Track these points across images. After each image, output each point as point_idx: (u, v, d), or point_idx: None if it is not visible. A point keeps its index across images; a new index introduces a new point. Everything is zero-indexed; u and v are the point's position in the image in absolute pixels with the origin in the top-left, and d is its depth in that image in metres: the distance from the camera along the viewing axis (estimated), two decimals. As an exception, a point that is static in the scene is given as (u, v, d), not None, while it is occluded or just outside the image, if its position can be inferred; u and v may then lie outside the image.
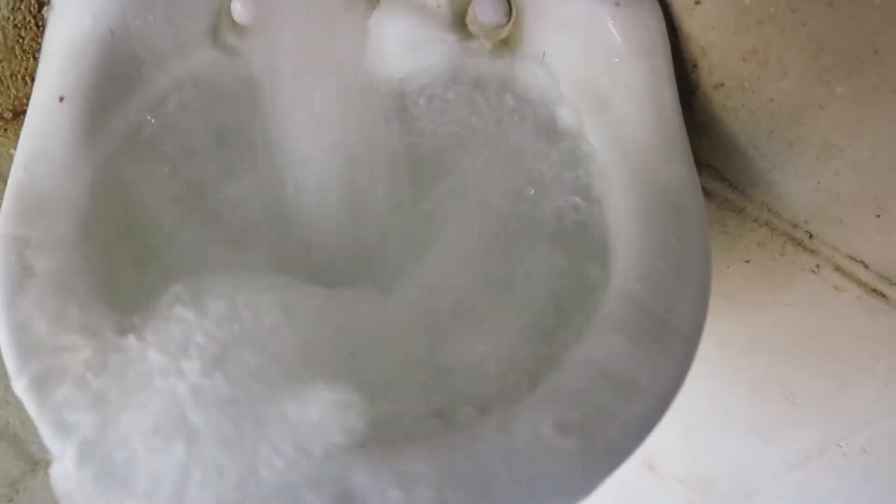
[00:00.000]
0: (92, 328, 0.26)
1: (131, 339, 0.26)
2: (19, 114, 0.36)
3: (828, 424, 0.44)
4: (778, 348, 0.43)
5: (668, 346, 0.27)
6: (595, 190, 0.34)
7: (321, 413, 0.24)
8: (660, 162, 0.32)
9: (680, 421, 0.53)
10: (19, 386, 0.24)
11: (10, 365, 0.25)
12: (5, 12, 0.32)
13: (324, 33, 0.36)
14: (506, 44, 0.37)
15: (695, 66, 0.35)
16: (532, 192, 0.36)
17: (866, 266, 0.36)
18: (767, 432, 0.48)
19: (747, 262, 0.40)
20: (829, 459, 0.46)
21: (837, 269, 0.37)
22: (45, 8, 0.33)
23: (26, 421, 0.49)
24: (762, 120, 0.34)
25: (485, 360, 0.29)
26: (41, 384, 0.25)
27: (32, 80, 0.34)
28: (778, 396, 0.45)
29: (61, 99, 0.31)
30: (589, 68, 0.35)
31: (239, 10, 0.35)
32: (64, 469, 0.22)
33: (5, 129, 0.36)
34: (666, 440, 0.54)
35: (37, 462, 0.53)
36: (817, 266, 0.37)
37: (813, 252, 0.37)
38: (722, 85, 0.34)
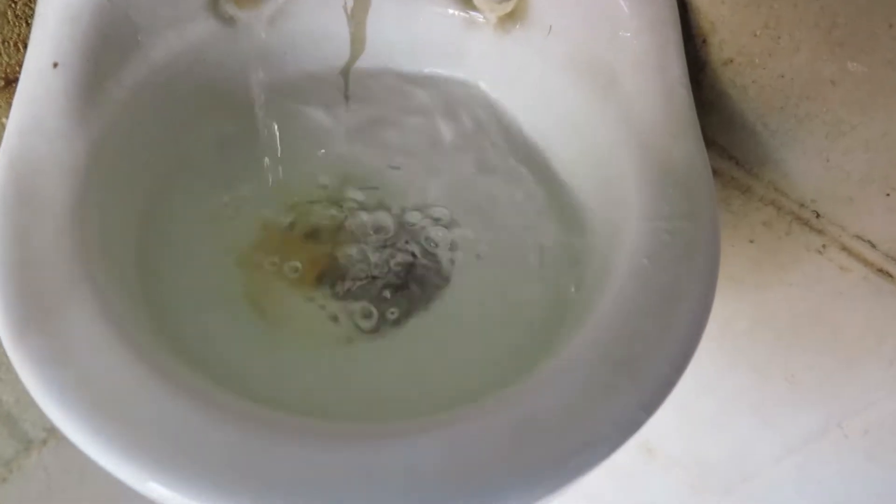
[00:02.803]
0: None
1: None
2: (12, 82, 0.35)
3: (829, 406, 0.44)
4: (781, 329, 0.43)
5: (676, 320, 0.27)
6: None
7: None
8: (669, 140, 0.31)
9: (679, 403, 0.52)
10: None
11: (6, 337, 0.24)
12: (-4, -24, 0.31)
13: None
14: (511, 17, 0.37)
15: (704, 41, 0.34)
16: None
17: (873, 246, 0.35)
18: (767, 414, 0.48)
19: (752, 241, 0.40)
20: (829, 441, 0.46)
21: (844, 248, 0.36)
22: (38, -28, 0.32)
23: (20, 399, 0.49)
24: (772, 97, 0.34)
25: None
26: (39, 359, 0.24)
27: (25, 47, 0.33)
28: (779, 378, 0.45)
29: (55, 65, 0.30)
30: (596, 43, 0.34)
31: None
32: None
33: (-3, 99, 0.36)
34: (665, 423, 0.54)
35: (31, 441, 0.53)
36: (823, 246, 0.37)
37: (819, 232, 0.37)
38: (731, 61, 0.34)
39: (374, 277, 0.36)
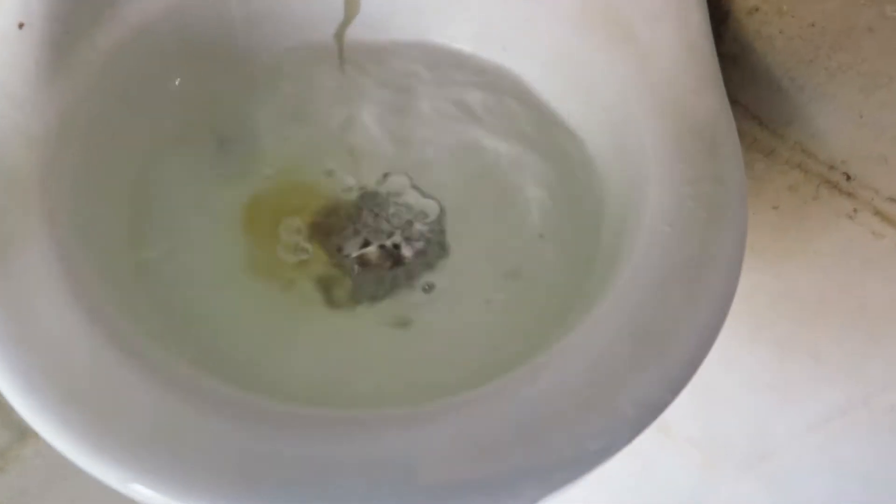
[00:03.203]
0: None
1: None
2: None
3: (854, 382, 0.42)
4: (805, 302, 0.40)
5: (700, 297, 0.25)
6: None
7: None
8: (690, 95, 0.29)
9: (695, 379, 0.50)
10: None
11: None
12: (-45, -70, 0.29)
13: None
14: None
15: (726, -11, 0.31)
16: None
17: (910, 209, 0.33)
18: (787, 391, 0.46)
19: (776, 208, 0.37)
20: (852, 419, 0.44)
21: (877, 213, 0.34)
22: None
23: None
24: (801, 48, 0.31)
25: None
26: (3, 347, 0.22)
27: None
28: (802, 353, 0.43)
29: (21, 25, 0.27)
30: (610, -8, 0.31)
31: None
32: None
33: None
34: (679, 399, 0.52)
35: (25, 430, 0.51)
36: (854, 210, 0.35)
37: (850, 195, 0.34)
38: (757, 10, 0.31)
39: (368, 249, 0.33)
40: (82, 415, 0.21)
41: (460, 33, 0.37)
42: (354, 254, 0.33)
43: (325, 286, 0.32)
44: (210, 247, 0.31)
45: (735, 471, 0.55)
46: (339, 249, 0.33)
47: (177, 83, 0.33)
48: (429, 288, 0.31)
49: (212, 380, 0.23)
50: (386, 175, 0.35)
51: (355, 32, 0.37)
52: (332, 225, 0.33)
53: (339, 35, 0.38)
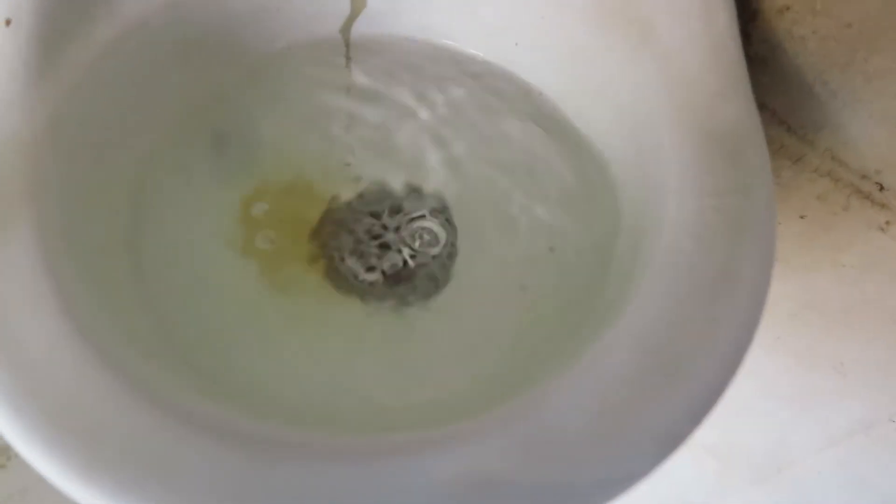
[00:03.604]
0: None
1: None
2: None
3: (879, 397, 0.40)
4: (830, 314, 0.38)
5: (725, 312, 0.23)
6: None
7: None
8: (716, 100, 0.27)
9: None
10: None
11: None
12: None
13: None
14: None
15: (755, -15, 0.29)
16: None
17: (948, 223, 0.31)
18: (809, 403, 0.44)
19: (803, 217, 0.35)
20: (877, 434, 0.42)
21: (913, 226, 0.32)
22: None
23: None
24: (835, 50, 0.29)
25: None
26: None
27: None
28: (825, 366, 0.41)
29: (8, 22, 0.26)
30: (629, -11, 0.30)
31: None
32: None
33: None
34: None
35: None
36: (887, 223, 0.33)
37: (883, 206, 0.32)
38: (788, 8, 0.29)
39: (373, 258, 0.32)
40: (67, 438, 0.20)
41: (470, 30, 0.35)
42: (361, 275, 0.31)
43: (325, 294, 0.30)
44: (209, 255, 0.30)
45: (750, 481, 0.54)
46: (343, 259, 0.32)
47: (173, 81, 0.32)
48: (432, 301, 0.30)
49: (210, 403, 0.22)
50: (389, 178, 0.33)
51: (361, 28, 0.36)
52: (332, 231, 0.32)
53: (346, 30, 0.36)
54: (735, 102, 0.27)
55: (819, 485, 0.49)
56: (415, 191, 0.33)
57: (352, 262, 0.31)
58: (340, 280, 0.31)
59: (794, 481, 0.50)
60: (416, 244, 0.32)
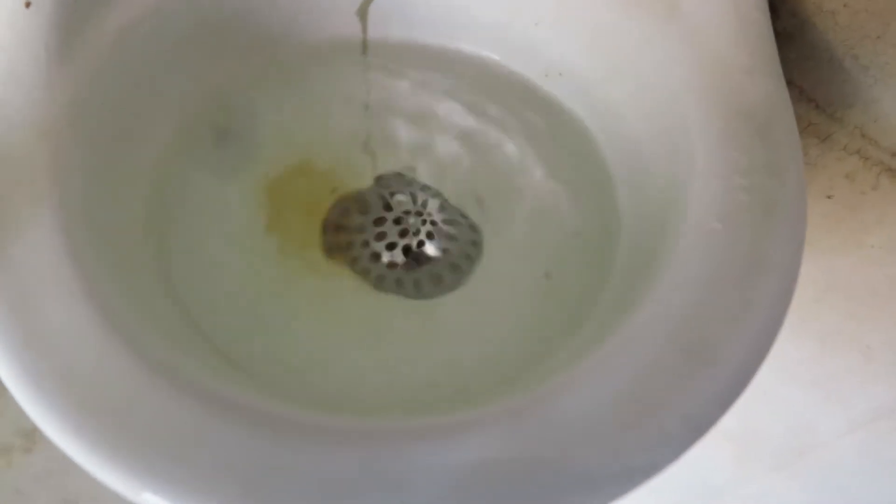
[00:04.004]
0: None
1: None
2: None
3: (906, 381, 0.40)
4: (857, 297, 0.38)
5: (755, 295, 0.23)
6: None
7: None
8: (744, 77, 0.27)
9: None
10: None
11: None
12: None
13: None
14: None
15: (785, -43, 0.29)
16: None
17: (983, 202, 0.30)
18: (833, 388, 0.44)
19: (829, 197, 0.35)
20: (902, 419, 0.42)
21: (945, 205, 0.31)
22: None
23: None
24: (868, 23, 0.28)
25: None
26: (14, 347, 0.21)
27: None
28: (849, 349, 0.40)
29: (28, 4, 0.26)
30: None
31: None
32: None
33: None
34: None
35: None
36: (918, 203, 0.32)
37: (915, 186, 0.32)
38: (819, -19, 0.28)
39: (398, 246, 0.32)
40: (94, 420, 0.20)
41: (489, 6, 0.34)
42: (383, 257, 0.31)
43: (347, 278, 0.30)
44: (230, 240, 0.30)
45: (770, 466, 0.53)
46: (364, 244, 0.31)
47: (192, 66, 0.31)
48: (455, 288, 0.30)
49: (234, 386, 0.22)
50: (408, 164, 0.33)
51: (378, 7, 0.35)
52: (352, 216, 0.32)
53: (363, 11, 0.36)
54: (764, 79, 0.26)
55: (841, 470, 0.49)
56: (434, 178, 0.33)
57: (373, 246, 0.31)
58: (361, 264, 0.31)
59: (815, 467, 0.50)
60: (436, 229, 0.32)
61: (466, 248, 0.31)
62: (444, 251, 0.31)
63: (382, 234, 0.32)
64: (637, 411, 0.20)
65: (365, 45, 0.36)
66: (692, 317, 0.22)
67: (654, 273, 0.24)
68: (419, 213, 0.32)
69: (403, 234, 0.32)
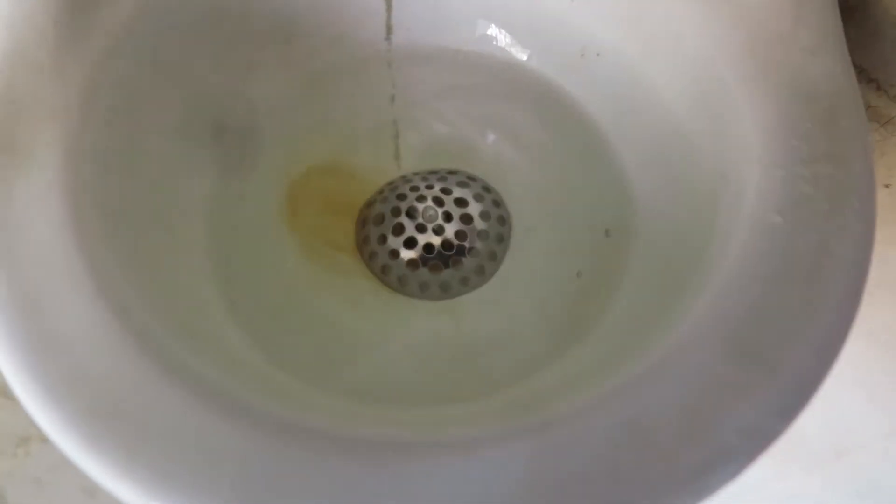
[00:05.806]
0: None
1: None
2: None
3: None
4: (911, 293, 0.36)
5: (821, 295, 0.21)
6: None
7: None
8: (805, 56, 0.24)
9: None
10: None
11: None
12: None
13: None
14: None
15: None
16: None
17: None
18: (877, 388, 0.42)
19: (887, 186, 0.32)
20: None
21: None
22: None
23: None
24: (941, -3, 0.26)
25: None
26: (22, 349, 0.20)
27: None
28: (898, 349, 0.38)
29: (35, -19, 0.24)
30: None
31: None
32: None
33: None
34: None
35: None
36: None
37: (983, 175, 0.29)
38: (887, -49, 0.26)
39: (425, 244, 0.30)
40: (106, 430, 0.19)
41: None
42: (412, 255, 0.29)
43: (370, 279, 0.29)
44: (250, 235, 0.28)
45: (806, 466, 0.51)
46: (384, 239, 0.30)
47: (208, 51, 0.30)
48: (483, 288, 0.28)
49: (258, 395, 0.20)
50: (435, 161, 0.31)
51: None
52: (378, 215, 0.30)
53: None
54: (826, 57, 0.24)
55: (880, 474, 0.47)
56: (462, 175, 0.31)
57: (396, 244, 0.29)
58: (381, 261, 0.29)
59: (852, 469, 0.48)
60: (461, 226, 0.30)
61: (492, 245, 0.30)
62: (470, 249, 0.30)
63: (408, 235, 0.30)
64: (696, 424, 0.19)
65: (389, 27, 0.34)
66: (753, 320, 0.20)
67: (704, 272, 0.23)
68: (445, 211, 0.31)
69: (428, 231, 0.30)
